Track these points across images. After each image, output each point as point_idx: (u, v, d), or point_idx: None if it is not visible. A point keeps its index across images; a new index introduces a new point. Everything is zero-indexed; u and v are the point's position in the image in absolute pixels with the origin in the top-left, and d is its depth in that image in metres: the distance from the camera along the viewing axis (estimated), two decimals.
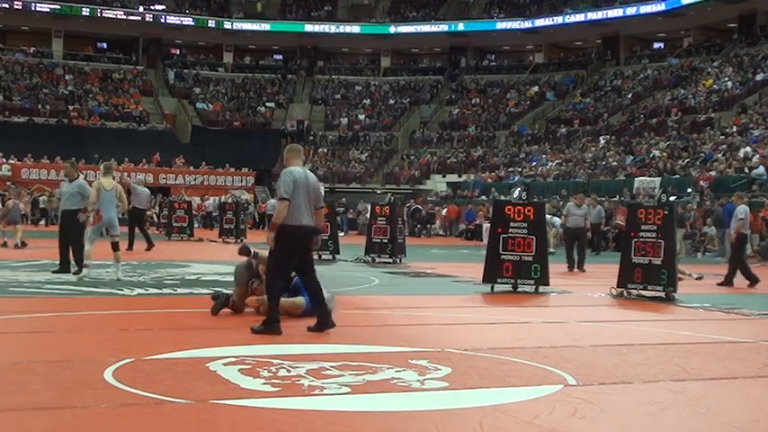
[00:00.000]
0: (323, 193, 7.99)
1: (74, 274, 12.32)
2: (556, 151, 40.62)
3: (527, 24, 50.92)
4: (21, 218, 21.09)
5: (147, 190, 21.87)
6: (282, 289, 7.84)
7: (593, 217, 19.61)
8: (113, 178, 12.69)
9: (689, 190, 27.30)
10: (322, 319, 7.63)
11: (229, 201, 28.07)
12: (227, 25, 53.71)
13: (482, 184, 40.06)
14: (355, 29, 54.28)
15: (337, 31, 54.40)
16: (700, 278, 14.76)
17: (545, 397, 5.30)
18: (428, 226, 35.59)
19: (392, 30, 53.70)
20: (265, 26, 54.08)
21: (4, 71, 48.88)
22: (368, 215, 34.06)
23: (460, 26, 52.71)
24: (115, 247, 12.31)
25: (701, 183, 26.58)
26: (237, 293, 8.75)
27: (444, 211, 36.11)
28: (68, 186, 12.80)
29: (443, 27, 53.14)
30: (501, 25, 51.75)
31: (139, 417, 4.63)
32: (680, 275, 14.94)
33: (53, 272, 12.67)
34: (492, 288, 11.90)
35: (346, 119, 51.54)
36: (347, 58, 57.79)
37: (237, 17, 54.35)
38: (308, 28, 54.29)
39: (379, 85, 54.91)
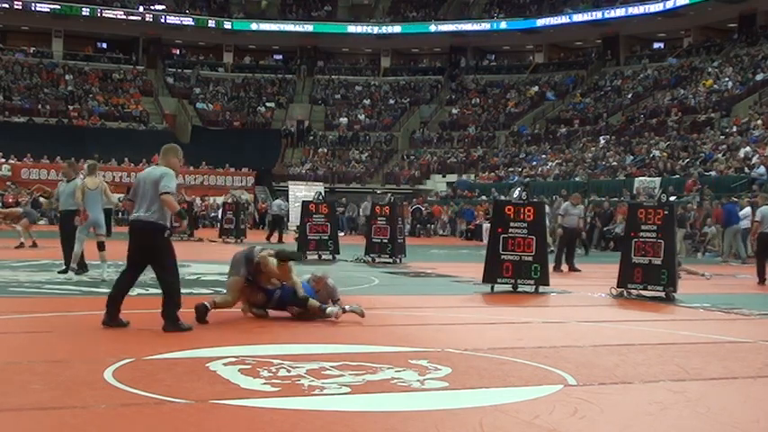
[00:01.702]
0: (163, 180, 7.74)
1: (59, 272, 12.37)
2: (556, 151, 40.61)
3: (527, 24, 50.91)
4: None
5: None
6: (122, 282, 7.80)
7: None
8: (96, 176, 12.53)
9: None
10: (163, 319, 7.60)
11: (229, 201, 28.06)
12: (227, 25, 53.68)
13: (466, 183, 40.22)
14: (355, 29, 54.28)
15: (337, 31, 54.39)
16: (710, 278, 14.83)
17: (545, 397, 5.31)
18: (428, 226, 35.62)
19: (392, 30, 53.68)
20: (265, 26, 54.07)
21: (4, 71, 48.85)
22: (354, 214, 34.37)
23: (460, 26, 52.71)
24: (101, 246, 12.30)
25: (694, 189, 26.56)
26: (232, 284, 8.46)
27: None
28: (66, 186, 12.74)
29: (443, 27, 53.11)
30: (501, 25, 51.74)
31: (139, 417, 4.63)
32: (689, 273, 14.99)
33: (59, 272, 12.64)
34: (492, 288, 11.90)
35: (346, 119, 51.54)
36: (347, 58, 57.78)
37: (237, 17, 54.35)
38: (308, 28, 54.27)
39: (379, 85, 54.91)
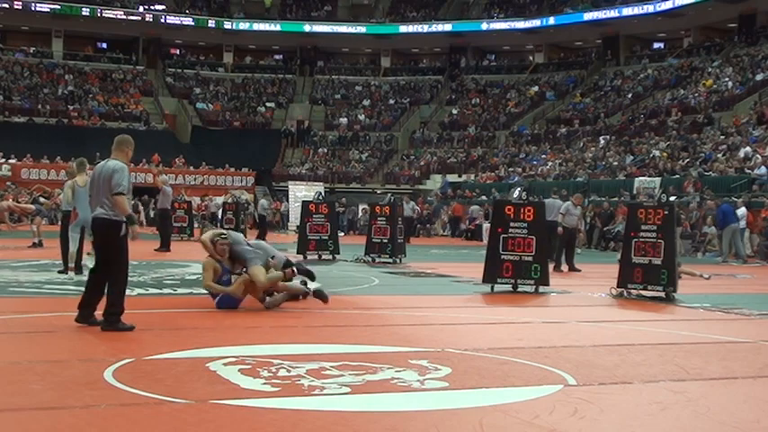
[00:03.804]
0: (115, 177, 7.56)
1: (59, 272, 12.37)
2: (556, 151, 40.58)
3: (527, 24, 50.90)
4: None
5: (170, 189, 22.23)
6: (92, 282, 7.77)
7: (554, 215, 19.39)
8: (87, 174, 12.42)
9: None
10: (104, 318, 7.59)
11: (229, 201, 28.07)
12: (228, 25, 53.69)
13: (449, 184, 40.43)
14: (355, 29, 54.27)
15: (337, 31, 54.39)
16: (708, 278, 14.85)
17: (545, 397, 5.31)
18: (428, 226, 35.61)
19: (392, 30, 53.69)
20: (265, 26, 54.07)
21: (4, 71, 48.85)
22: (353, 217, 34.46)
23: (460, 26, 52.70)
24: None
25: (690, 189, 26.54)
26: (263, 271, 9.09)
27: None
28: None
29: (443, 27, 53.09)
30: (501, 25, 51.72)
31: (139, 417, 4.63)
32: (686, 275, 14.97)
33: (59, 272, 12.64)
34: (492, 288, 11.90)
35: (346, 119, 51.54)
36: (347, 58, 57.78)
37: (237, 17, 54.35)
38: (308, 28, 54.28)
39: (379, 85, 54.90)
